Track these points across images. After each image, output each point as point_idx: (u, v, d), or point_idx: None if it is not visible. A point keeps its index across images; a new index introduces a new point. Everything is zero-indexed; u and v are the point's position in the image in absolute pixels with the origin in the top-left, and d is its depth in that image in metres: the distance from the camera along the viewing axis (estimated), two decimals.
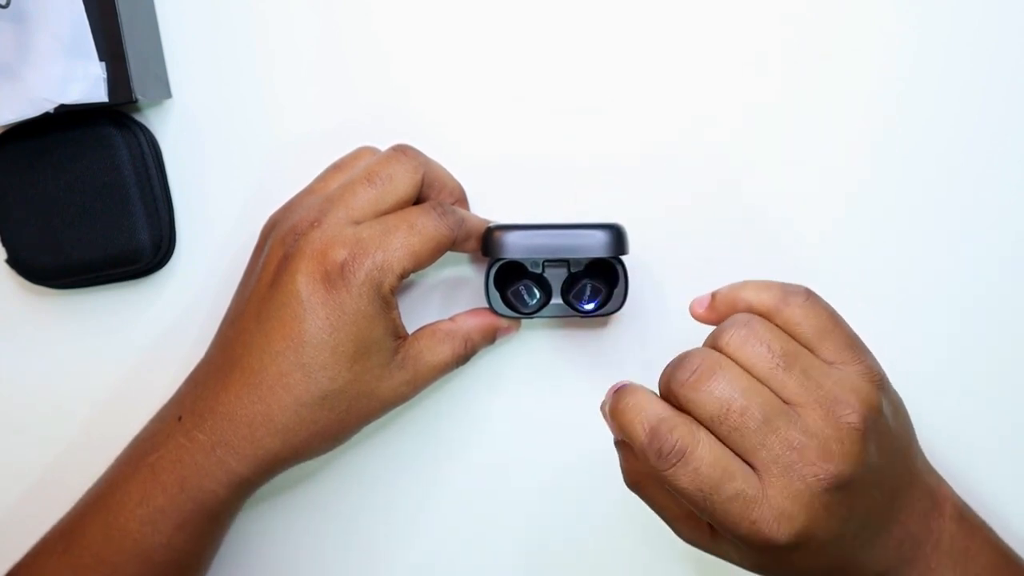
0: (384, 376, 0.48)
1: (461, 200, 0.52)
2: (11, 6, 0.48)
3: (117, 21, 0.49)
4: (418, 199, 0.50)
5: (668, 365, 0.41)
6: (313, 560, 0.56)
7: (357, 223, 0.47)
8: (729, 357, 0.41)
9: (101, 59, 0.49)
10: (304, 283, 0.46)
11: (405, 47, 0.54)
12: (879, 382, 0.42)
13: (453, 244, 0.48)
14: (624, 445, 0.44)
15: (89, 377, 0.56)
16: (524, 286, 0.51)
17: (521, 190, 0.54)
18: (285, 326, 0.46)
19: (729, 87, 0.53)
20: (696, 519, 0.44)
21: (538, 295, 0.51)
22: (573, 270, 0.50)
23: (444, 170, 0.51)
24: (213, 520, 0.48)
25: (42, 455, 0.56)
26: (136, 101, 0.50)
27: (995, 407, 0.53)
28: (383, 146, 0.51)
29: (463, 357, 0.50)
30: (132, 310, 0.55)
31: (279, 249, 0.47)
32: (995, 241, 0.52)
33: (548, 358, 0.54)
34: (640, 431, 0.40)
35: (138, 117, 0.54)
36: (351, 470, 0.55)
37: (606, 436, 0.45)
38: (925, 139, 0.52)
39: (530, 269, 0.50)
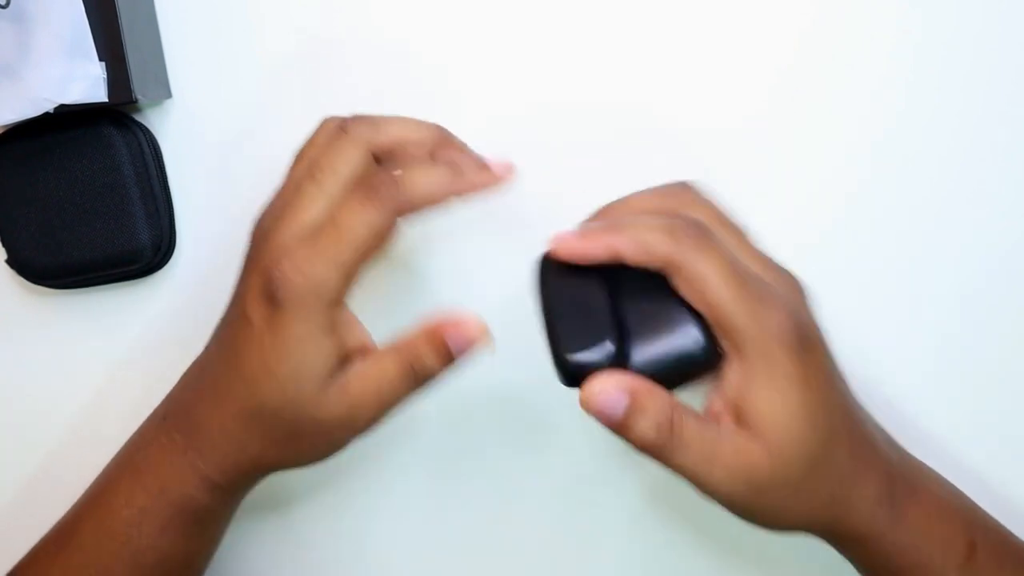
0: (322, 402, 0.44)
1: (439, 141, 0.47)
2: (11, 6, 0.48)
3: (117, 21, 0.49)
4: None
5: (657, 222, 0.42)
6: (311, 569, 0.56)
7: (304, 227, 0.44)
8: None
9: (101, 59, 0.49)
10: (249, 302, 0.44)
11: (405, 47, 0.54)
12: None
13: (396, 221, 0.44)
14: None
15: (89, 377, 0.56)
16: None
17: (520, 190, 0.54)
18: (235, 340, 0.45)
19: (730, 88, 0.53)
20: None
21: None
22: None
23: (402, 123, 0.46)
24: (196, 523, 0.48)
25: (41, 455, 0.56)
26: (136, 101, 0.50)
27: (997, 406, 0.53)
28: None
29: (411, 378, 0.45)
30: (132, 310, 0.55)
31: (246, 260, 0.46)
32: (996, 240, 0.52)
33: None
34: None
35: (138, 117, 0.54)
36: (353, 476, 0.56)
37: (608, 440, 0.44)
38: (926, 140, 0.52)
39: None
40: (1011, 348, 0.52)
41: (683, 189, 0.44)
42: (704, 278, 0.40)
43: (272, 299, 0.43)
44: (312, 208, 0.44)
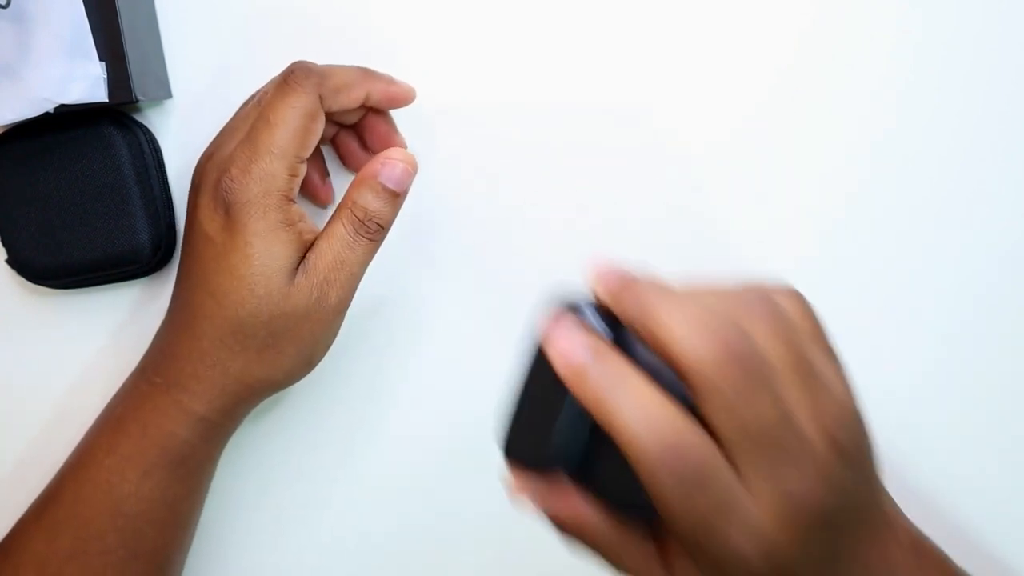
0: (292, 293, 0.45)
1: (369, 77, 0.49)
2: (11, 6, 0.48)
3: (117, 21, 0.49)
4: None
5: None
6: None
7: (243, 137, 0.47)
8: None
9: (101, 59, 0.49)
10: (204, 215, 0.46)
11: (407, 47, 0.54)
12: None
13: (319, 103, 0.46)
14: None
15: (89, 377, 0.56)
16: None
17: (512, 189, 0.54)
18: (198, 260, 0.47)
19: (730, 88, 0.53)
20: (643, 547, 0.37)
21: None
22: None
23: (341, 72, 0.48)
24: (180, 466, 0.48)
25: (41, 455, 0.56)
26: (136, 101, 0.50)
27: (995, 410, 0.53)
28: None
29: (363, 231, 0.46)
30: (132, 310, 0.55)
31: (192, 190, 0.48)
32: (996, 240, 0.52)
33: None
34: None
35: (138, 117, 0.54)
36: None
37: None
38: (926, 140, 0.52)
39: None
40: (1011, 348, 0.52)
41: (782, 293, 0.36)
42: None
43: (227, 206, 0.45)
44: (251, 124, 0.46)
